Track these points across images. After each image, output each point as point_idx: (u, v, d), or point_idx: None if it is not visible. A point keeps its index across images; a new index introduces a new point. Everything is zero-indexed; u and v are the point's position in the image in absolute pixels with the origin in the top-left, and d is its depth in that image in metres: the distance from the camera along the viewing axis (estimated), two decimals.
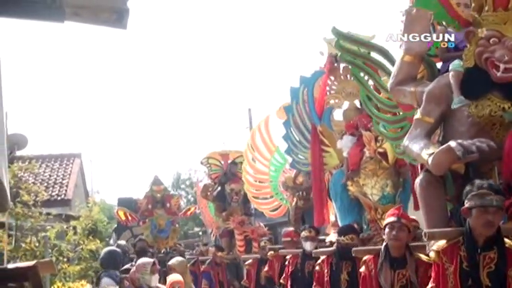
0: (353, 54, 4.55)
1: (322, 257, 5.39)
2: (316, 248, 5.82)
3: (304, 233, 6.00)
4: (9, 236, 10.64)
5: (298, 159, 6.21)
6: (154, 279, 4.85)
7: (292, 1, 49.15)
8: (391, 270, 3.88)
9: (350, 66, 4.93)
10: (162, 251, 11.02)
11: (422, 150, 3.29)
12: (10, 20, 3.17)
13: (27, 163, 13.07)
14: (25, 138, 14.23)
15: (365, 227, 5.25)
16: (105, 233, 16.79)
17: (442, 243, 3.16)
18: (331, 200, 5.71)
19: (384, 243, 3.99)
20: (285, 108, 6.19)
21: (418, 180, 3.49)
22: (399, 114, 4.25)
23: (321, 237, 6.11)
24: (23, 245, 11.07)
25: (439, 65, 3.95)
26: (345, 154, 5.35)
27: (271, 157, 7.96)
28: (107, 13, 2.78)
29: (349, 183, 5.20)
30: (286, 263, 6.47)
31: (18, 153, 14.01)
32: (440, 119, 3.49)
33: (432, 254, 3.20)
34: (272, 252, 7.28)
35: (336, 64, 5.80)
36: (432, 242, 3.25)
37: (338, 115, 5.83)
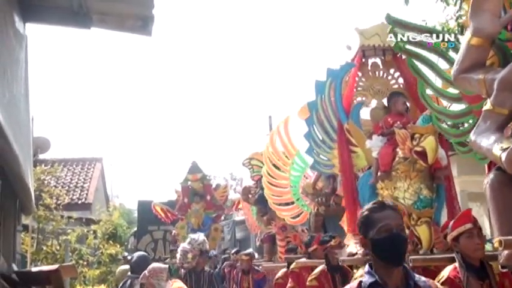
0: (412, 43, 4.05)
1: (319, 269, 5.21)
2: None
3: (332, 242, 5.45)
4: (32, 238, 10.79)
5: (320, 160, 5.57)
6: (168, 286, 4.74)
7: (309, 8, 49.23)
8: (479, 281, 3.34)
9: (405, 57, 4.46)
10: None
11: (494, 144, 2.93)
12: (37, 26, 3.23)
13: (49, 166, 13.27)
14: (48, 142, 14.35)
15: None
16: (124, 238, 16.89)
17: None
18: None
19: (458, 254, 3.46)
20: (309, 104, 5.54)
21: (488, 180, 3.12)
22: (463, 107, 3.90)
23: None
24: (44, 247, 11.23)
25: None
26: (374, 154, 4.93)
27: (292, 161, 7.48)
28: (132, 20, 2.83)
29: (379, 185, 4.76)
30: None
31: (41, 156, 14.18)
32: None
33: None
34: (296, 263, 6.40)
35: (363, 59, 5.38)
36: (506, 251, 2.93)
37: (365, 114, 5.37)
